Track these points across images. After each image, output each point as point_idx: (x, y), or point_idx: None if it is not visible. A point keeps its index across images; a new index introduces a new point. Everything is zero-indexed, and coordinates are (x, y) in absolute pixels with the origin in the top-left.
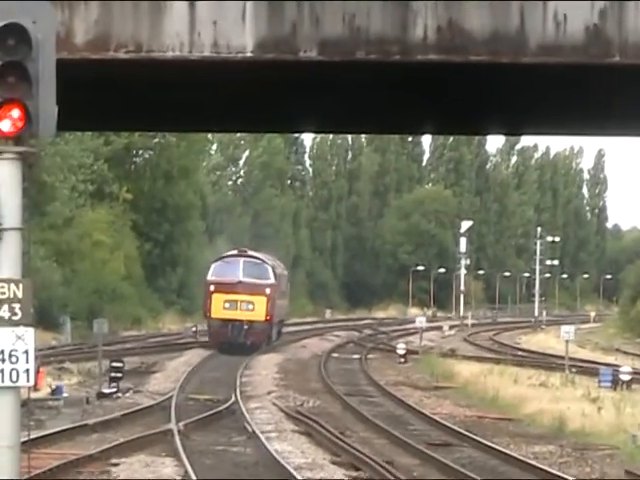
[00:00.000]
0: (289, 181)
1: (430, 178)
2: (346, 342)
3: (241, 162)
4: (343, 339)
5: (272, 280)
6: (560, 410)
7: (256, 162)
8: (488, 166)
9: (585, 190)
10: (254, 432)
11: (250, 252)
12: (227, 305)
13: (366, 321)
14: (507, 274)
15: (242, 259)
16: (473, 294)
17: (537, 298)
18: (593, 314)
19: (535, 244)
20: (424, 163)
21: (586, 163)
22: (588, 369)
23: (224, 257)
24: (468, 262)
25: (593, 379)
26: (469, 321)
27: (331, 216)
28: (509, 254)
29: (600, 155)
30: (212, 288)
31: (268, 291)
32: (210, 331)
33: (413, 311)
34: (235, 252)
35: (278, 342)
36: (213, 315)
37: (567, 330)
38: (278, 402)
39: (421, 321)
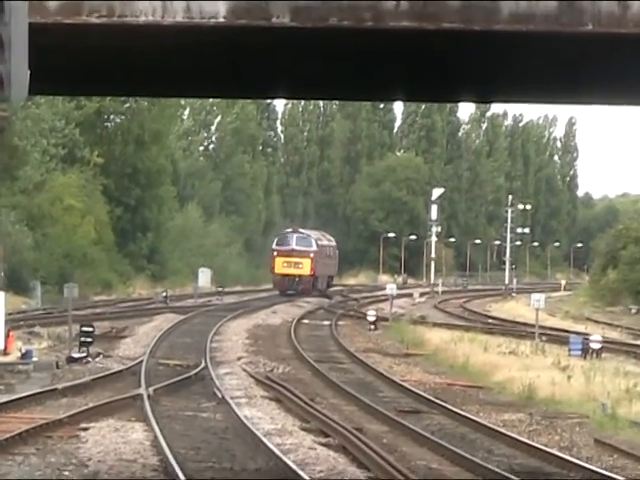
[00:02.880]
0: (261, 147)
1: (402, 145)
2: (316, 308)
3: (213, 128)
4: (313, 305)
5: (315, 248)
6: (530, 378)
7: (228, 128)
8: (460, 133)
9: (557, 158)
10: (224, 398)
11: (300, 229)
12: (285, 264)
13: (336, 288)
14: (478, 242)
15: (295, 234)
16: (444, 261)
17: (508, 266)
18: (564, 282)
19: (506, 212)
20: (395, 130)
21: (559, 132)
22: (558, 337)
23: (283, 233)
24: (439, 229)
25: (563, 348)
26: (439, 288)
27: (302, 182)
28: (480, 222)
29: (571, 123)
30: (275, 254)
31: (312, 255)
32: (274, 283)
33: (384, 278)
34: (290, 230)
35: (269, 306)
36: (276, 271)
37: (537, 298)
38: (248, 368)
39: (391, 288)
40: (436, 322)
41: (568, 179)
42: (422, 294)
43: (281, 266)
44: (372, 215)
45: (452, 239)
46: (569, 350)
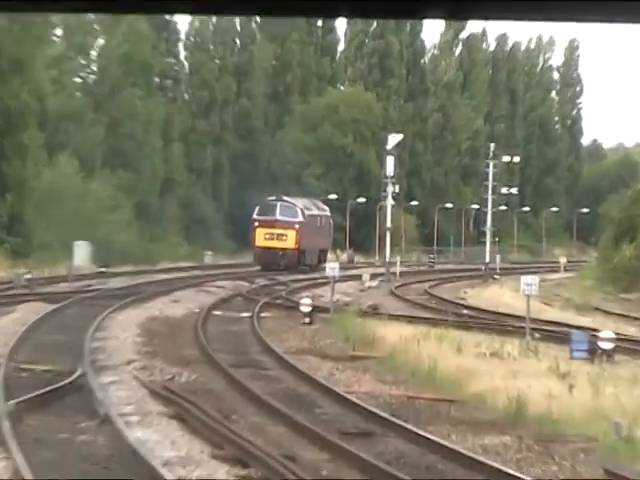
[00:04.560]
0: (158, 79)
1: (346, 77)
2: (232, 295)
3: (94, 53)
4: (228, 291)
5: (301, 218)
6: (518, 388)
7: (114, 53)
8: (424, 61)
9: (554, 94)
10: (108, 415)
11: (285, 197)
12: (267, 236)
13: (257, 267)
14: (449, 206)
15: (278, 203)
16: (403, 232)
17: (489, 239)
18: (563, 260)
19: (487, 166)
20: (338, 56)
21: (557, 59)
22: (556, 334)
23: (265, 201)
24: (397, 190)
25: (563, 348)
26: (397, 269)
27: (213, 126)
28: (452, 180)
29: (573, 48)
30: (256, 224)
31: (297, 226)
32: (255, 257)
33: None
34: (273, 198)
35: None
36: (256, 244)
37: (529, 282)
38: (141, 375)
39: (333, 268)
40: (393, 314)
41: (569, 122)
42: (374, 276)
43: (262, 238)
44: (307, 170)
45: (414, 202)
46: (571, 351)
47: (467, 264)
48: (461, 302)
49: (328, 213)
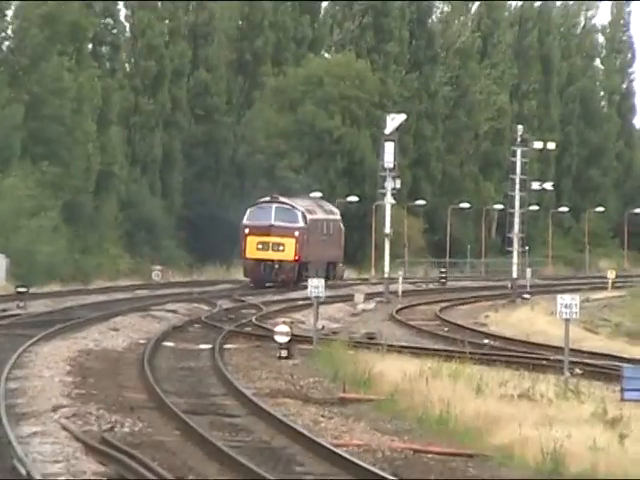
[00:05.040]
0: (91, 45)
1: (332, 40)
2: (188, 322)
3: (9, 14)
4: (183, 317)
5: (301, 223)
6: (555, 439)
7: (34, 13)
8: (432, 20)
9: (598, 63)
10: (30, 475)
11: (281, 198)
12: (260, 246)
13: (223, 286)
14: (465, 206)
15: (274, 205)
16: (407, 240)
17: (516, 248)
18: (612, 275)
19: (513, 155)
20: (322, 15)
21: (602, 18)
22: (603, 369)
23: (257, 203)
24: (398, 185)
25: (612, 386)
26: (400, 286)
27: (162, 105)
28: (469, 172)
29: (621, 4)
30: (246, 231)
31: (297, 233)
32: (245, 269)
33: None
34: (267, 198)
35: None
36: (247, 255)
37: (567, 302)
38: (71, 425)
39: (317, 286)
40: (394, 345)
41: (617, 98)
42: (369, 296)
43: (254, 248)
44: (282, 161)
45: (421, 202)
46: (622, 391)
47: (489, 280)
48: (481, 329)
49: (338, 217)
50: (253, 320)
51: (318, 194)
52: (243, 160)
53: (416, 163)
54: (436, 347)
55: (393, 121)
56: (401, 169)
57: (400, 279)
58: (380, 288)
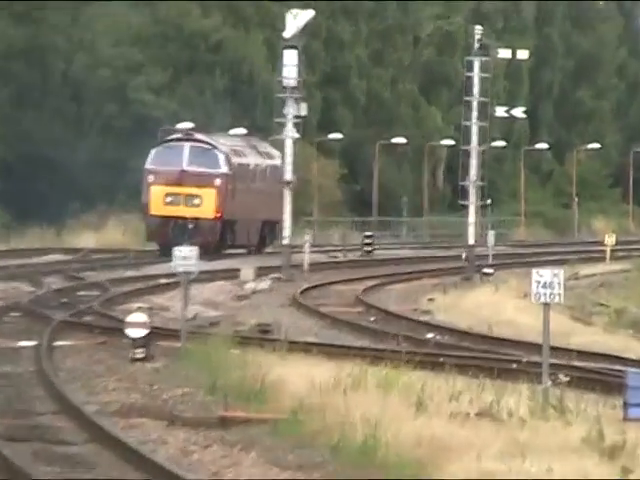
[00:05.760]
0: None
1: None
2: (2, 309)
3: None
4: None
5: (225, 168)
6: (530, 476)
7: None
8: None
9: None
10: None
11: (196, 134)
12: (169, 199)
13: (53, 256)
14: (400, 141)
15: (188, 144)
16: (317, 190)
17: (473, 201)
18: (611, 241)
19: (469, 67)
20: None
21: None
22: (598, 375)
23: (165, 142)
24: (304, 112)
25: (610, 400)
26: (306, 257)
27: None
28: (405, 92)
29: None
30: (151, 179)
31: (219, 182)
32: (149, 230)
33: None
34: (179, 134)
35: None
36: (152, 212)
37: (547, 279)
38: None
39: (185, 257)
40: (298, 341)
41: None
42: (262, 271)
43: (161, 202)
44: (137, 78)
45: (336, 135)
46: (625, 406)
47: (434, 248)
48: (423, 318)
49: (277, 161)
50: (96, 306)
51: (188, 124)
52: (81, 76)
53: (329, 80)
54: (358, 345)
55: (296, 20)
56: (308, 88)
57: (307, 247)
58: (278, 261)
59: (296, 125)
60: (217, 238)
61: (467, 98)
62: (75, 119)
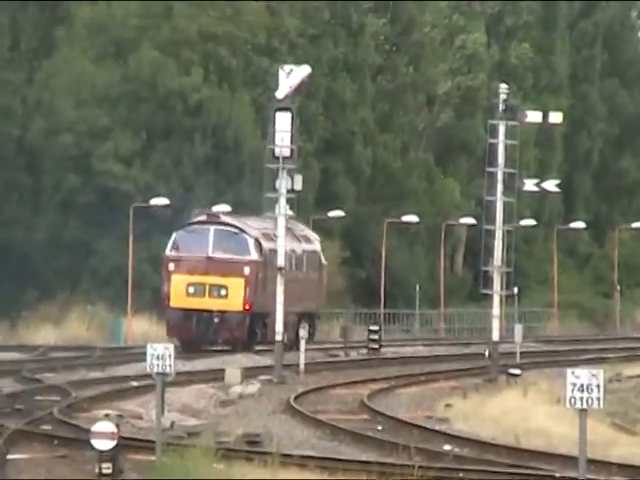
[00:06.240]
0: None
1: None
2: None
3: None
4: None
5: (255, 256)
6: None
7: None
8: None
9: None
10: None
11: (223, 216)
12: (191, 289)
13: (3, 355)
14: (411, 220)
15: (212, 227)
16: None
17: (498, 289)
18: None
19: (492, 133)
20: None
21: None
22: None
23: (189, 224)
24: (299, 186)
25: None
26: (302, 356)
27: None
28: (418, 161)
29: None
30: (171, 267)
31: (248, 271)
32: (169, 324)
33: (142, 326)
34: (204, 218)
35: None
36: (173, 304)
37: (584, 381)
38: None
39: (161, 355)
40: (292, 454)
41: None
42: (249, 372)
43: (183, 293)
44: (103, 144)
45: (337, 213)
46: None
47: (452, 344)
48: (440, 428)
49: (316, 246)
50: (55, 412)
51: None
52: (38, 143)
53: (329, 148)
54: (363, 458)
55: (290, 77)
56: (304, 158)
57: (302, 343)
58: (269, 359)
59: (290, 201)
60: (246, 333)
61: (490, 169)
62: (31, 193)
